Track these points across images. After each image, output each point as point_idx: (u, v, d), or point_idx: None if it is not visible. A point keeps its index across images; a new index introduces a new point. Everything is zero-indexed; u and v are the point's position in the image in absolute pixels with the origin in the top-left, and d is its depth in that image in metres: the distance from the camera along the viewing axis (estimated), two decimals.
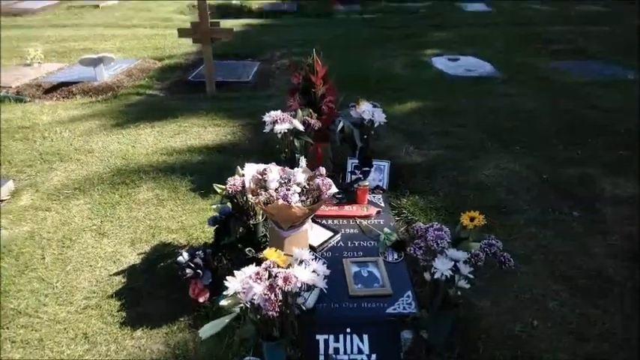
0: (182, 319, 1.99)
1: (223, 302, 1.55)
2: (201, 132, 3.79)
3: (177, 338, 1.91)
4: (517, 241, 2.50)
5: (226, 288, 1.55)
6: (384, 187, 3.00)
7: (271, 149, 3.08)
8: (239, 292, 1.52)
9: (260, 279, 1.52)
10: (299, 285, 1.53)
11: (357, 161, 2.97)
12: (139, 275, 2.22)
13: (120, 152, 3.43)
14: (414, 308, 2.04)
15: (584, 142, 3.61)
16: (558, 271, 2.28)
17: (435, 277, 1.62)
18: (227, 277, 1.56)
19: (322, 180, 2.01)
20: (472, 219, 1.77)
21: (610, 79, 5.20)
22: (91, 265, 2.29)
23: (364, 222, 2.64)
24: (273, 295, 1.48)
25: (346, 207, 2.75)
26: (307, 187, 2.07)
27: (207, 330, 1.58)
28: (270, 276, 1.55)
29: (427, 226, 1.77)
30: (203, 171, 3.15)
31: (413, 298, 2.09)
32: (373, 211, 2.71)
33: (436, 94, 4.75)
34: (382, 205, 2.82)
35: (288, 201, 1.88)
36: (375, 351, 1.84)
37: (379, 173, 3.04)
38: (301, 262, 1.65)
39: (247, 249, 2.31)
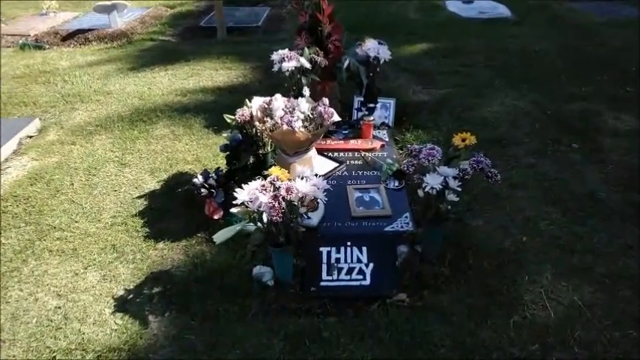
0: (199, 234, 2.19)
1: (233, 210, 1.74)
2: (213, 74, 3.91)
3: (195, 250, 2.11)
4: (515, 170, 2.61)
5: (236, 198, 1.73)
6: (390, 124, 3.11)
7: (281, 90, 3.20)
8: (247, 202, 1.69)
9: (265, 190, 1.68)
10: (300, 195, 1.69)
11: (362, 98, 3.07)
12: (159, 199, 2.42)
13: (137, 93, 3.58)
14: (411, 227, 2.20)
15: (591, 79, 3.63)
16: (552, 196, 2.40)
17: (426, 190, 1.76)
18: (236, 189, 1.73)
19: (324, 108, 2.13)
20: (464, 139, 1.89)
21: (626, 19, 5.08)
22: (115, 190, 2.49)
23: (368, 154, 2.77)
24: (277, 203, 1.65)
25: (352, 141, 2.88)
26: (311, 116, 2.20)
27: (221, 235, 1.77)
28: (274, 188, 1.71)
29: (421, 146, 1.89)
30: (215, 110, 3.29)
31: (410, 218, 2.25)
32: (377, 144, 2.83)
33: (447, 36, 4.74)
34: (386, 139, 2.93)
35: (291, 126, 2.01)
36: (373, 260, 2.02)
37: (385, 110, 3.14)
38: (303, 177, 1.81)
39: (257, 177, 2.48)
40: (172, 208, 2.35)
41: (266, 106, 2.16)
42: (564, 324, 1.74)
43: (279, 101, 2.12)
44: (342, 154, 2.79)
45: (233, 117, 2.33)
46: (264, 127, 2.09)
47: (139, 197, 2.44)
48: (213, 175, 2.14)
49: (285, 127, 2.02)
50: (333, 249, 2.08)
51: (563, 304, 1.82)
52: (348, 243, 2.09)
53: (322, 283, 1.96)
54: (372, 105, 3.04)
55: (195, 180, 2.16)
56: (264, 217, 1.74)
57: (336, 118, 2.20)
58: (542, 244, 2.10)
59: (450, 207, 1.86)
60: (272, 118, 2.11)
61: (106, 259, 2.05)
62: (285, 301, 1.89)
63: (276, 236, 1.81)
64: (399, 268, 2.00)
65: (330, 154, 2.75)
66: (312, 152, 2.31)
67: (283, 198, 1.66)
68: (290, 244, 1.86)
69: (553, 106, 3.27)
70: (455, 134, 1.96)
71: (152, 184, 2.54)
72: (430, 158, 1.78)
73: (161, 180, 2.58)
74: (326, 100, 2.22)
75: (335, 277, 1.98)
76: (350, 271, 2.00)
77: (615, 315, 1.77)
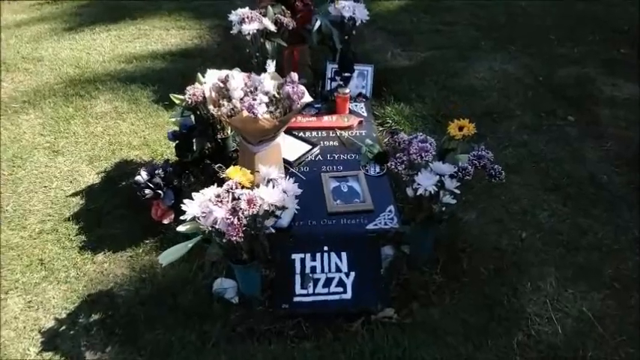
0: (147, 241, 1.84)
1: (181, 228, 1.39)
2: (163, 35, 3.40)
3: (143, 261, 1.78)
4: (508, 149, 2.33)
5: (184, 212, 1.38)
6: (367, 95, 2.75)
7: (243, 55, 2.79)
8: (198, 217, 1.35)
9: (221, 202, 1.34)
10: (265, 207, 1.36)
11: (337, 66, 2.68)
12: (99, 195, 2.04)
13: (73, 60, 3.07)
14: (396, 223, 1.92)
15: (582, 39, 3.32)
16: (550, 180, 2.15)
17: (418, 193, 1.46)
18: (184, 201, 1.38)
19: (293, 88, 1.76)
20: (461, 128, 1.57)
21: None
22: (45, 186, 2.09)
23: (345, 133, 2.43)
24: (236, 219, 1.31)
25: (325, 117, 2.52)
26: (277, 96, 1.82)
27: (168, 256, 1.43)
28: (233, 198, 1.37)
29: (410, 137, 1.57)
30: (166, 80, 2.84)
31: (395, 212, 1.96)
32: (355, 121, 2.49)
33: None
34: (364, 114, 2.59)
35: (253, 112, 1.64)
36: (354, 268, 1.73)
37: (362, 79, 2.77)
38: (269, 181, 1.47)
39: (217, 165, 2.12)
40: (114, 207, 1.98)
41: (221, 85, 1.76)
42: (574, 342, 1.52)
43: (237, 79, 1.72)
44: (314, 133, 2.44)
45: (182, 97, 1.93)
46: (219, 113, 1.71)
47: (74, 194, 2.05)
48: (160, 171, 1.77)
49: (245, 113, 1.65)
50: (308, 255, 1.78)
51: (571, 317, 1.60)
52: (325, 248, 1.79)
53: (295, 299, 1.67)
54: (347, 74, 2.67)
55: (138, 177, 1.78)
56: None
57: (308, 98, 1.83)
58: (543, 242, 1.86)
59: (444, 208, 1.57)
60: (229, 101, 1.73)
61: (32, 280, 1.69)
62: (253, 323, 1.60)
63: (237, 252, 1.49)
64: (384, 276, 1.73)
65: (301, 133, 2.40)
66: (281, 138, 1.95)
67: (244, 212, 1.32)
68: (256, 260, 1.54)
69: (545, 70, 2.98)
70: (450, 122, 1.63)
71: (90, 177, 2.15)
72: (423, 154, 1.46)
73: (101, 171, 2.18)
74: (295, 76, 1.84)
75: (310, 290, 1.69)
76: (328, 282, 1.71)
77: (629, 328, 1.56)
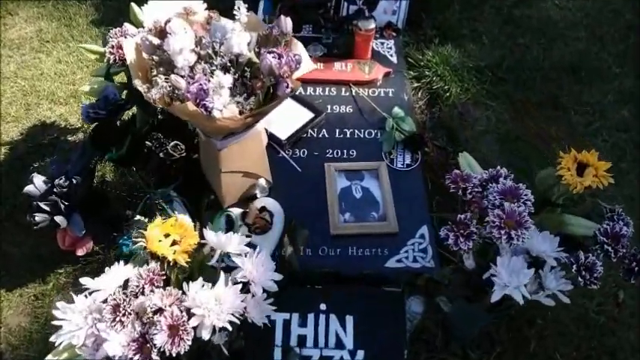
0: (62, 270, 1.25)
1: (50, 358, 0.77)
2: None
3: (53, 307, 1.19)
4: (597, 133, 1.60)
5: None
6: (399, 26, 1.92)
7: None
8: (80, 345, 0.72)
9: (121, 321, 0.70)
10: (206, 335, 0.71)
11: None
12: None
13: None
14: (430, 259, 1.29)
15: None
16: None
17: (495, 300, 0.80)
18: (58, 304, 0.75)
19: (278, 58, 0.99)
20: (581, 167, 0.84)
21: None
22: None
23: (363, 92, 1.68)
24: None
25: (336, 64, 1.73)
26: (254, 60, 1.06)
27: None
28: (144, 319, 0.72)
29: (484, 177, 0.85)
30: None
31: (429, 240, 1.31)
32: (379, 72, 1.71)
33: None
34: (394, 60, 1.79)
35: (205, 107, 0.91)
36: (364, 345, 1.15)
37: (393, 1, 1.91)
38: (224, 257, 0.80)
39: (172, 143, 1.43)
40: (17, 212, 1.34)
41: (155, 40, 1.00)
42: None
43: (181, 36, 0.96)
44: (319, 90, 1.69)
45: (100, 50, 1.18)
46: (151, 95, 0.98)
47: None
48: (62, 180, 1.08)
49: (190, 106, 0.92)
50: (295, 317, 1.18)
51: None
52: (323, 306, 1.19)
53: None
54: None
55: (29, 187, 1.10)
56: None
57: (308, 66, 1.08)
58: None
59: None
60: (166, 75, 0.98)
61: None
62: None
63: None
64: (408, 359, 1.15)
65: (299, 91, 1.65)
66: (264, 122, 1.23)
67: (160, 349, 0.69)
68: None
69: None
70: (560, 153, 0.89)
71: None
72: (515, 234, 0.76)
73: (5, 142, 1.50)
74: (286, 23, 1.06)
75: None
76: None
77: None
